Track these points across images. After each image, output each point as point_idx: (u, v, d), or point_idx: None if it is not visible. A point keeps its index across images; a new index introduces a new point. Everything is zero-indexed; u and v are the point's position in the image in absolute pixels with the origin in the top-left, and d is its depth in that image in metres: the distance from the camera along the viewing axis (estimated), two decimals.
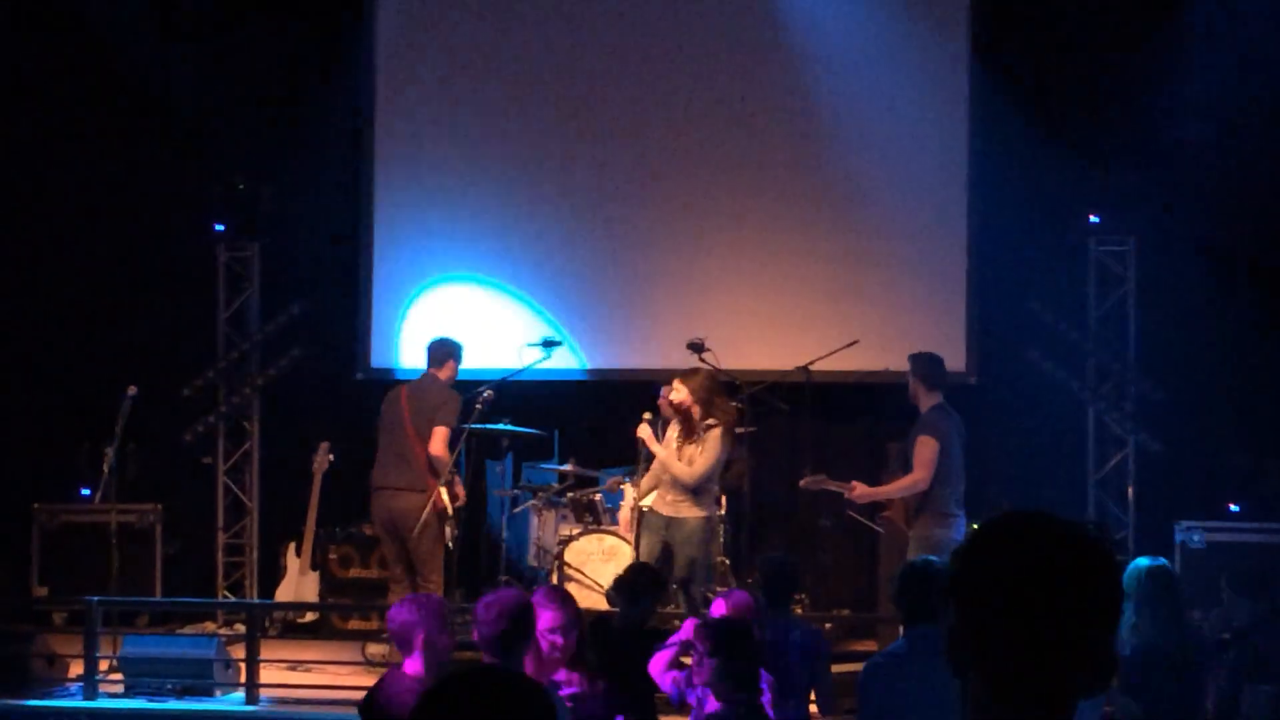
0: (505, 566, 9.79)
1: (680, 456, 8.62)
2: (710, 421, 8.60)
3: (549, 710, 2.13)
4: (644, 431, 8.87)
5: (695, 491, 8.64)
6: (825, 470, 9.02)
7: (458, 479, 9.24)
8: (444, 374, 9.37)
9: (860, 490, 8.70)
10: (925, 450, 8.40)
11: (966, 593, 2.01)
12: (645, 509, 8.98)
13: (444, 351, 9.42)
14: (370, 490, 9.29)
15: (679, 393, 8.65)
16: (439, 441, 9.02)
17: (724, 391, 9.00)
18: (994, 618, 1.97)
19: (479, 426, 9.35)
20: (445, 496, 9.09)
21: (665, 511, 8.69)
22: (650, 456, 8.95)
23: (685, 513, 8.63)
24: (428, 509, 8.99)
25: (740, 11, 11.16)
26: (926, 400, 8.63)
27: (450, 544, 9.27)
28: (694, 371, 8.84)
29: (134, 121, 11.39)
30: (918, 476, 8.39)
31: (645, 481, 9.00)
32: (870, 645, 9.32)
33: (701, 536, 8.64)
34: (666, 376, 9.14)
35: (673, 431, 8.78)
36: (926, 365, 8.71)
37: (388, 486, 9.14)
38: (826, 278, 11.00)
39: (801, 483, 8.98)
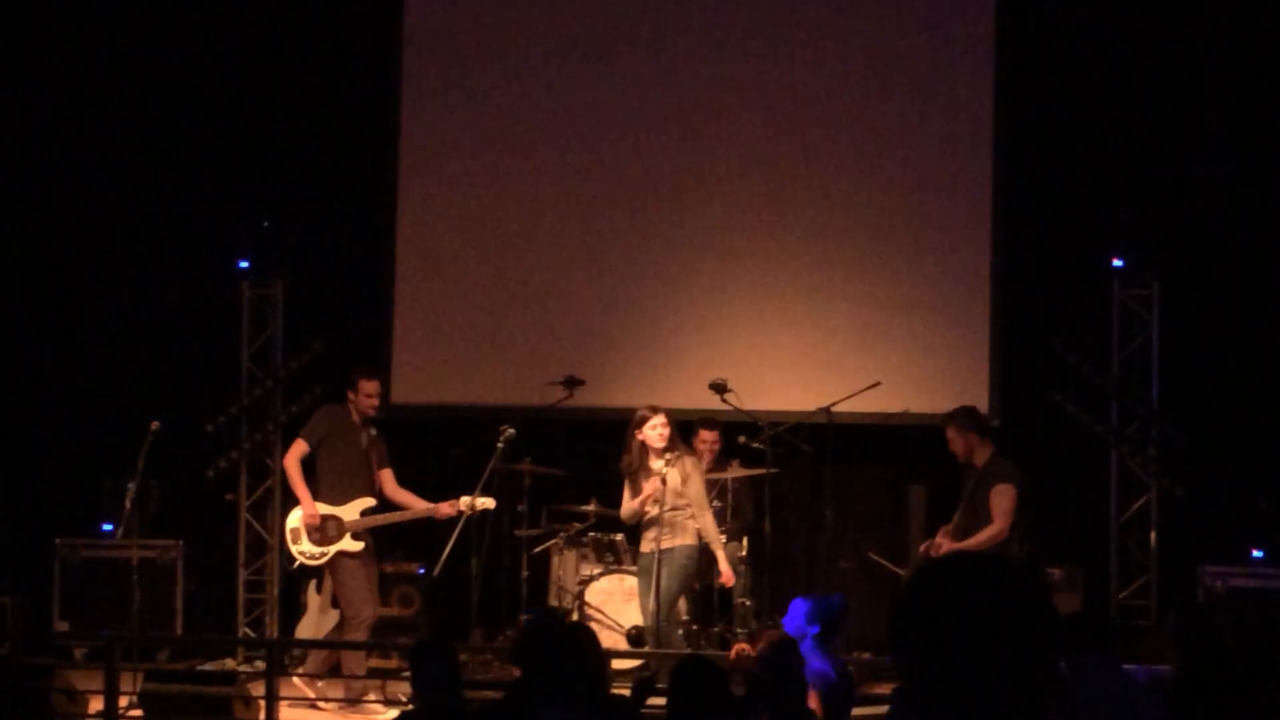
0: (525, 606, 9.78)
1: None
2: (677, 453, 8.89)
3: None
4: (654, 489, 8.85)
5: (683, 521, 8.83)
6: (849, 514, 9.04)
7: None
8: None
9: (947, 548, 8.64)
10: (1004, 499, 8.46)
11: (904, 647, 1.98)
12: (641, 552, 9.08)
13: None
14: None
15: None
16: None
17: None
18: (931, 667, 1.94)
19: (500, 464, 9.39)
20: None
21: (651, 548, 8.83)
22: (658, 501, 8.89)
23: (674, 541, 8.79)
24: None
25: (764, 54, 11.17)
26: (983, 450, 8.71)
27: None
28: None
29: (160, 158, 11.48)
30: (1000, 527, 8.44)
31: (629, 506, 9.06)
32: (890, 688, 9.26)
33: (683, 564, 8.76)
34: (688, 417, 9.22)
35: (657, 462, 8.88)
36: (974, 417, 8.87)
37: None
38: (849, 319, 10.97)
39: (921, 548, 8.99)
